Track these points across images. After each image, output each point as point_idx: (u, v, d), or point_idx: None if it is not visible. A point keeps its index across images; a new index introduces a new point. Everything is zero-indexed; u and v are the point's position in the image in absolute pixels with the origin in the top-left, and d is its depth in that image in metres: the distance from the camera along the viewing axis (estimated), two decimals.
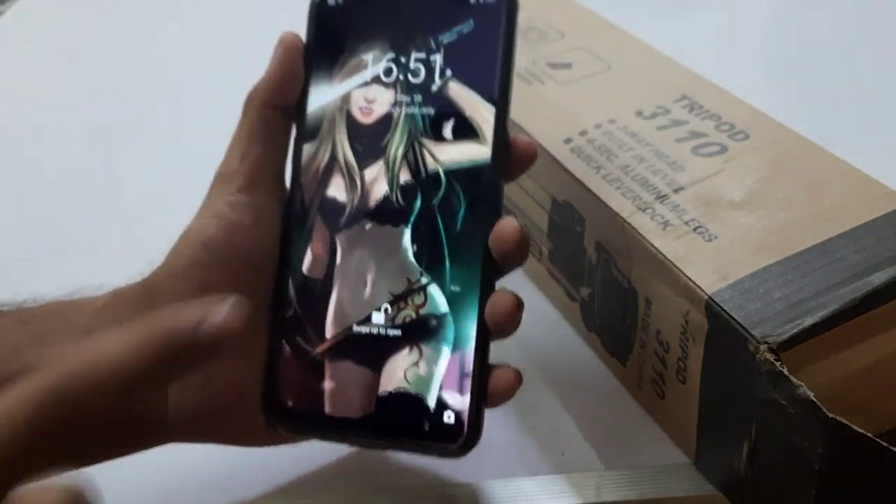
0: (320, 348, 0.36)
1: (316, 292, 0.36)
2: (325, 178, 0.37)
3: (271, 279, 0.37)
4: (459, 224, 0.35)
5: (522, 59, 0.50)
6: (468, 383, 0.34)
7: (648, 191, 0.40)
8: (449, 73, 0.36)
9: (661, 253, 0.37)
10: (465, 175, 0.35)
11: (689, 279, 0.35)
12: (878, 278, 0.33)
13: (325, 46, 0.38)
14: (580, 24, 0.53)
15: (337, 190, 0.37)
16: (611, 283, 0.41)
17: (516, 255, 0.34)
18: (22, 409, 0.26)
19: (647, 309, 0.38)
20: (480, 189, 0.35)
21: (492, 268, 0.35)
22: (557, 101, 0.46)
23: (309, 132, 0.37)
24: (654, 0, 0.77)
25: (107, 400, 0.27)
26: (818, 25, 0.73)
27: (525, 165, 0.36)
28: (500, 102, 0.35)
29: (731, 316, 0.33)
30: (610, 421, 0.42)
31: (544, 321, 0.47)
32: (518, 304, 0.34)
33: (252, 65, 0.38)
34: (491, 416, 0.42)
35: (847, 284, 0.33)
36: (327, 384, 0.35)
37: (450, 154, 0.35)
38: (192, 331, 0.28)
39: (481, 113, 0.35)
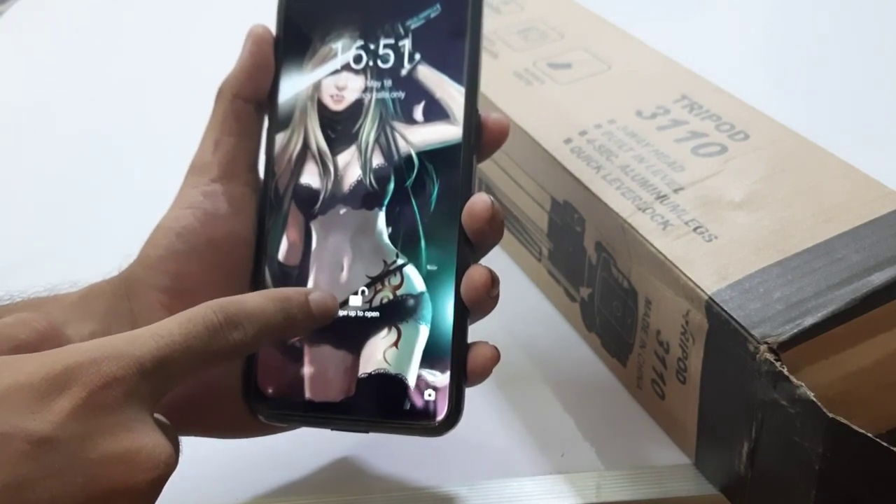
0: None
1: (293, 279, 0.36)
2: (298, 166, 0.37)
3: (248, 268, 0.37)
4: (433, 204, 0.35)
5: (522, 59, 0.50)
6: (447, 361, 0.34)
7: (648, 191, 0.40)
8: (418, 57, 0.37)
9: (662, 253, 0.37)
10: (437, 156, 0.36)
11: (689, 279, 0.35)
12: (878, 278, 0.33)
13: (295, 37, 0.38)
14: (580, 24, 0.53)
15: (310, 177, 0.37)
16: (611, 284, 0.41)
17: (489, 231, 0.34)
18: (188, 325, 0.30)
19: (647, 309, 0.38)
20: (453, 169, 0.35)
21: (467, 246, 0.35)
22: (557, 102, 0.46)
23: (281, 122, 0.38)
24: (654, 0, 0.77)
25: (246, 334, 0.31)
26: (818, 26, 0.73)
27: (497, 143, 0.36)
28: (470, 83, 0.36)
29: (731, 316, 0.33)
30: (610, 421, 0.41)
31: (544, 321, 0.47)
32: (492, 278, 0.34)
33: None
34: (491, 416, 0.42)
35: (847, 284, 0.33)
36: (307, 369, 0.36)
37: (421, 136, 0.36)
38: (305, 297, 0.33)
39: (451, 94, 0.36)
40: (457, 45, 0.36)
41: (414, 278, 0.35)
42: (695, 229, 0.37)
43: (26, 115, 0.71)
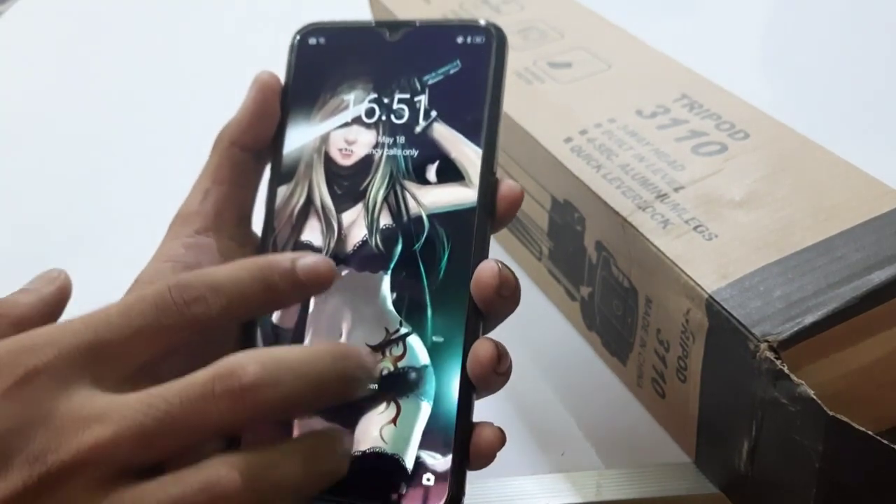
0: None
1: (286, 343, 0.34)
2: (300, 222, 0.35)
3: (232, 328, 0.34)
4: (442, 271, 0.33)
5: (523, 58, 0.50)
6: (449, 442, 0.32)
7: (648, 190, 0.40)
8: (434, 114, 0.35)
9: (662, 252, 0.37)
10: (449, 219, 0.34)
11: (690, 278, 0.35)
12: (878, 277, 0.33)
13: (305, 86, 0.36)
14: (580, 23, 0.53)
15: (312, 234, 0.35)
16: (611, 282, 0.41)
17: (498, 300, 0.32)
18: (134, 305, 0.28)
19: (648, 308, 0.38)
20: (465, 234, 0.33)
21: (477, 317, 0.33)
22: (557, 101, 0.46)
23: (284, 173, 0.36)
24: (654, 0, 0.77)
25: (211, 307, 0.29)
26: (818, 25, 0.73)
27: (509, 211, 0.34)
28: (488, 144, 0.34)
29: (731, 314, 0.33)
30: (610, 420, 0.42)
31: (544, 320, 0.47)
32: (498, 354, 0.32)
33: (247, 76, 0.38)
34: (491, 416, 0.42)
35: (847, 283, 0.33)
36: None
37: (433, 197, 0.34)
38: (291, 263, 0.30)
39: (467, 155, 0.34)
40: (476, 103, 0.34)
41: (417, 349, 0.33)
42: (695, 228, 0.37)
43: (25, 115, 0.71)
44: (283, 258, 0.31)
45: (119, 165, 0.64)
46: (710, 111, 0.44)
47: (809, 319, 0.32)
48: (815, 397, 0.30)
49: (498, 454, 0.40)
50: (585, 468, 0.39)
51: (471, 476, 0.39)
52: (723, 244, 0.36)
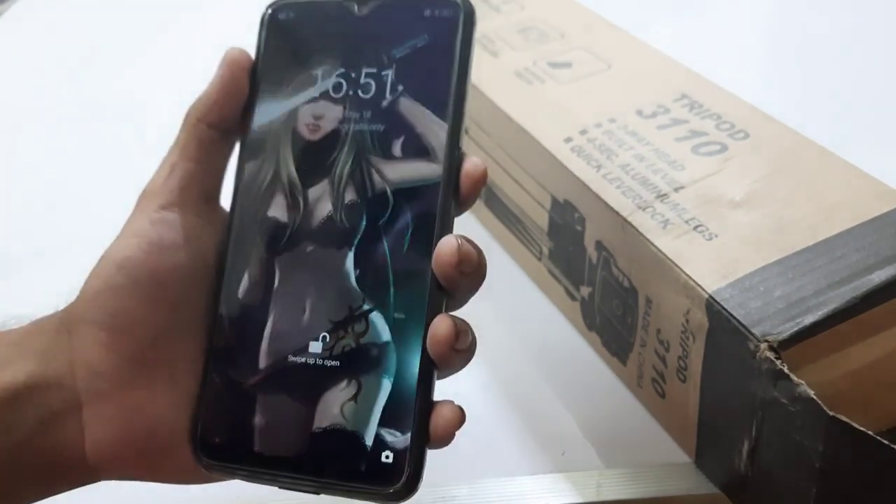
0: (252, 380, 0.33)
1: (251, 319, 0.34)
2: (266, 198, 0.35)
3: (195, 304, 0.34)
4: (406, 246, 0.33)
5: (523, 58, 0.50)
6: (409, 420, 0.31)
7: (649, 190, 0.40)
8: (401, 88, 0.34)
9: (662, 252, 0.37)
10: (413, 194, 0.33)
11: (690, 278, 0.35)
12: (878, 277, 0.33)
13: (275, 61, 0.36)
14: (580, 23, 0.53)
15: (278, 210, 0.35)
16: (611, 282, 0.41)
17: (458, 277, 0.31)
18: None
19: (648, 308, 0.38)
20: (430, 209, 0.33)
21: (441, 293, 0.32)
22: (558, 101, 0.46)
23: (253, 150, 0.36)
24: (654, 0, 0.77)
25: None
26: (818, 25, 0.73)
27: (473, 189, 0.33)
28: (454, 119, 0.33)
29: (731, 314, 0.33)
30: (610, 420, 0.42)
31: (545, 320, 0.47)
32: (456, 331, 0.31)
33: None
34: (491, 415, 0.42)
35: (847, 283, 0.33)
36: (258, 419, 0.33)
37: (399, 172, 0.34)
38: None
39: (433, 130, 0.33)
40: (442, 77, 0.34)
41: (380, 326, 0.32)
42: (695, 228, 0.37)
43: (25, 115, 0.71)
44: None
45: (119, 164, 0.64)
46: (710, 111, 0.44)
47: (809, 319, 0.32)
48: (815, 397, 0.30)
49: (498, 451, 0.40)
50: (585, 468, 0.39)
51: (471, 476, 0.39)
52: (723, 244, 0.36)
